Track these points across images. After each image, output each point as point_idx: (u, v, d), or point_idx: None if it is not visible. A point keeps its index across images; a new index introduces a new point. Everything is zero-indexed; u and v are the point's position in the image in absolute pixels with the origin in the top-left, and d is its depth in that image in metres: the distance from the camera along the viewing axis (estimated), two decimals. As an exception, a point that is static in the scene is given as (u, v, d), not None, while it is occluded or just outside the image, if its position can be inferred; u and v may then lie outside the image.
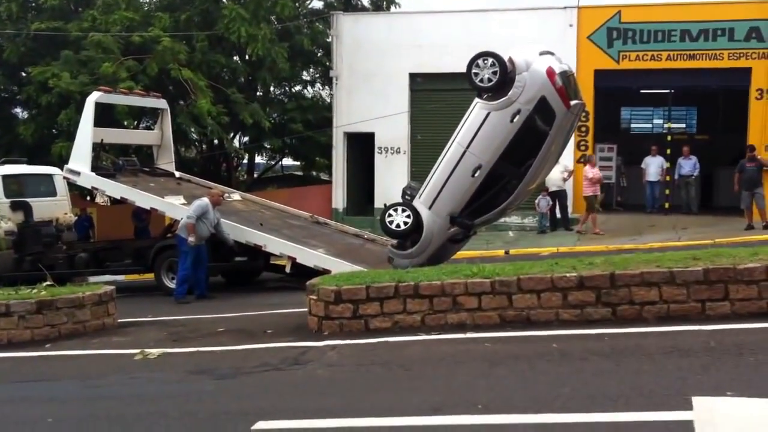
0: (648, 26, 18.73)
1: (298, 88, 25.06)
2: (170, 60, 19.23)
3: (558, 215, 18.34)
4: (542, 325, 6.78)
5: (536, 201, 17.88)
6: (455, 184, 10.22)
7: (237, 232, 12.71)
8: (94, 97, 14.45)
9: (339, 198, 20.96)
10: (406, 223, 10.37)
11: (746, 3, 18.40)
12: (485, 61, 9.97)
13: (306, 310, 7.82)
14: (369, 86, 20.01)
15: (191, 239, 11.96)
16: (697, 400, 4.56)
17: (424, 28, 19.85)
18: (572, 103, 9.96)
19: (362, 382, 5.88)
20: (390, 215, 10.49)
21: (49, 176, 15.79)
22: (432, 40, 19.47)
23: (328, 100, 23.24)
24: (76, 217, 16.65)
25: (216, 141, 22.60)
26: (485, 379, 5.57)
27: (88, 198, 20.70)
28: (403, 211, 10.45)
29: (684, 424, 4.24)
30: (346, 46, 20.69)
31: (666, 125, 20.54)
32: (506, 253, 15.63)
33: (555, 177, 17.31)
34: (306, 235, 13.48)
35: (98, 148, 14.73)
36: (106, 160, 15.08)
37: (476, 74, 10.02)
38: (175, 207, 13.30)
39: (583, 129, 18.97)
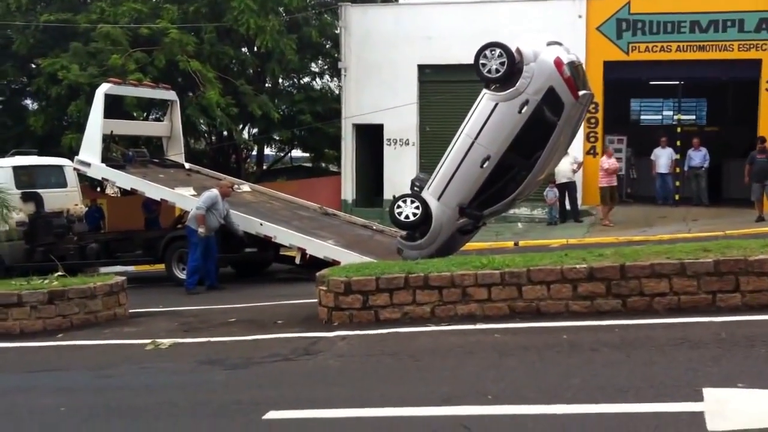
0: (657, 17, 18.60)
1: (306, 79, 25.07)
2: (178, 52, 19.26)
3: (567, 207, 18.28)
4: (552, 316, 6.79)
5: (544, 193, 17.83)
6: (464, 175, 10.21)
7: (246, 223, 12.75)
8: (103, 88, 14.50)
9: (348, 189, 20.96)
10: (415, 215, 10.37)
11: (757, -6, 18.28)
12: (493, 52, 9.93)
13: (316, 301, 7.84)
14: (378, 78, 19.98)
15: (201, 230, 12.00)
16: (707, 392, 4.56)
17: (432, 19, 19.79)
18: (580, 93, 9.92)
19: (372, 373, 5.90)
20: (399, 206, 10.49)
21: (60, 167, 15.84)
22: (440, 32, 19.42)
23: (337, 92, 23.22)
24: (87, 208, 16.72)
25: (225, 132, 22.64)
26: (495, 370, 5.58)
27: (99, 189, 20.78)
28: (412, 202, 10.44)
29: (695, 416, 4.24)
30: (355, 38, 20.65)
31: (676, 117, 20.44)
32: (516, 244, 15.62)
33: (565, 169, 17.24)
34: (315, 226, 13.50)
35: (108, 140, 14.79)
36: (116, 151, 15.13)
37: (484, 65, 9.99)
38: (185, 198, 13.34)
39: (593, 120, 18.91)
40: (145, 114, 20.97)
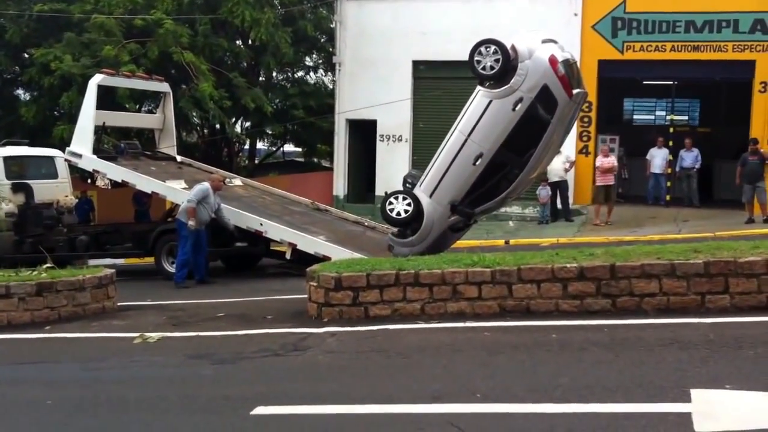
0: (653, 17, 18.64)
1: (300, 73, 25.00)
2: (172, 43, 19.17)
3: (559, 206, 18.31)
4: (542, 315, 6.79)
5: (537, 191, 17.85)
6: (456, 172, 10.20)
7: (237, 217, 12.71)
8: (96, 79, 14.43)
9: (340, 185, 20.95)
10: (406, 211, 10.36)
11: (752, -5, 18.32)
12: (488, 49, 9.92)
13: (306, 296, 7.82)
14: (372, 73, 19.95)
15: (191, 223, 11.96)
16: (695, 393, 4.57)
17: (428, 15, 19.76)
18: (575, 91, 9.93)
19: (361, 370, 5.89)
20: (391, 203, 10.48)
21: (51, 158, 15.78)
22: (436, 28, 19.40)
23: (331, 87, 23.19)
24: (77, 200, 16.65)
25: (218, 126, 22.58)
26: (484, 368, 5.57)
27: (89, 181, 20.66)
28: (404, 199, 10.43)
29: (682, 416, 4.25)
30: (350, 32, 20.62)
31: (669, 117, 20.49)
32: (506, 243, 15.64)
33: (557, 167, 17.28)
34: (307, 221, 13.48)
35: (100, 131, 14.72)
36: (108, 143, 15.08)
37: (478, 62, 9.97)
38: (176, 191, 13.30)
39: (586, 120, 18.94)
40: (137, 106, 20.87)
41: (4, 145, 15.75)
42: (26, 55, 21.26)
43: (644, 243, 11.51)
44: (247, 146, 26.20)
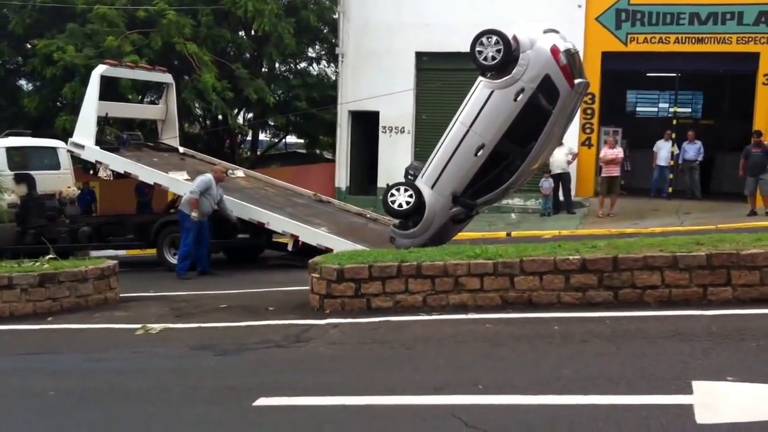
0: (657, 8, 18.56)
1: (303, 65, 24.96)
2: (175, 34, 19.14)
3: (561, 198, 18.29)
4: (544, 307, 6.79)
5: (540, 183, 17.83)
6: (458, 163, 10.19)
7: (240, 208, 12.72)
8: (99, 70, 14.41)
9: (342, 177, 20.92)
10: (408, 203, 10.36)
11: (756, -13, 18.24)
12: (489, 39, 9.89)
13: (308, 288, 7.83)
14: (375, 65, 19.89)
15: (194, 215, 11.97)
16: (697, 384, 4.57)
17: (431, 6, 19.69)
18: (576, 81, 9.90)
19: (364, 361, 5.90)
20: (392, 195, 10.48)
21: (53, 149, 15.76)
22: (439, 19, 19.33)
23: (334, 78, 23.14)
24: (79, 191, 16.65)
25: (220, 117, 22.56)
26: (487, 359, 5.58)
27: (91, 172, 20.67)
28: (406, 190, 10.43)
29: (684, 408, 4.25)
30: (353, 24, 20.54)
31: (672, 109, 20.44)
32: (508, 235, 15.64)
33: (559, 159, 17.27)
34: (309, 213, 13.49)
35: (103, 122, 14.71)
36: (110, 134, 15.07)
37: (480, 52, 9.95)
38: (179, 182, 13.31)
39: (589, 111, 18.90)
40: (140, 97, 20.85)
41: (7, 135, 15.73)
42: (29, 46, 21.26)
43: (646, 235, 11.49)
44: (249, 137, 26.18)
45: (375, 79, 19.70)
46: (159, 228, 13.54)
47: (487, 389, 4.86)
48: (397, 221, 10.95)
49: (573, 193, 18.45)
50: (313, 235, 12.22)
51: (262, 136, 27.53)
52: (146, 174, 13.73)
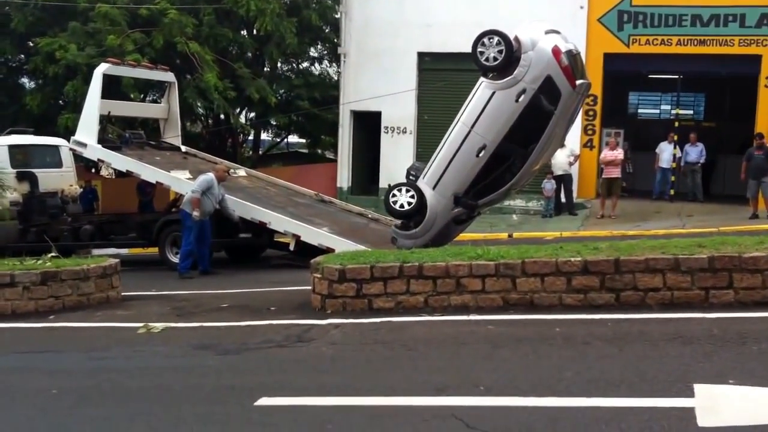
0: (659, 10, 18.56)
1: (305, 64, 24.96)
2: (177, 33, 19.15)
3: (563, 199, 18.29)
4: (545, 309, 6.79)
5: (542, 184, 17.83)
6: (459, 164, 10.18)
7: (242, 208, 12.72)
8: (102, 68, 14.43)
9: (344, 177, 20.92)
10: (409, 204, 10.34)
11: (758, -11, 18.24)
12: (491, 40, 9.87)
13: (309, 288, 7.83)
14: (377, 65, 19.88)
15: (195, 214, 11.98)
16: (699, 388, 4.57)
17: (433, 6, 19.69)
18: (578, 82, 9.88)
19: (365, 362, 5.90)
20: (394, 195, 10.46)
21: (56, 147, 15.77)
22: (441, 19, 19.33)
23: (335, 78, 23.14)
24: (81, 189, 16.66)
25: (222, 116, 22.56)
26: (488, 361, 5.58)
27: (93, 170, 20.71)
28: (407, 191, 10.41)
29: (685, 411, 4.25)
30: (355, 23, 20.54)
31: (674, 111, 20.43)
32: (510, 236, 15.63)
33: (561, 161, 17.27)
34: (310, 213, 13.49)
35: (105, 121, 14.72)
36: (113, 132, 15.08)
37: (481, 53, 9.92)
38: (181, 181, 13.32)
39: (591, 113, 18.89)
40: (142, 95, 20.86)
41: (9, 133, 15.76)
42: (31, 44, 21.27)
43: (648, 237, 11.47)
44: (251, 137, 26.19)
45: (377, 79, 19.70)
46: (161, 227, 13.55)
47: (489, 391, 4.86)
48: (398, 222, 10.94)
49: (575, 194, 18.45)
50: (314, 234, 12.23)
51: (264, 136, 27.54)
52: (148, 173, 13.74)
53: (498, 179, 10.29)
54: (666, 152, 18.84)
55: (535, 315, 6.66)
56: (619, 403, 4.47)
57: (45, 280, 8.47)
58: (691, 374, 4.87)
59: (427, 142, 18.28)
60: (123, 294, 9.35)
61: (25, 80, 23.39)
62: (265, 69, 23.54)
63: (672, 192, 18.94)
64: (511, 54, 9.78)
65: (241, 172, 15.36)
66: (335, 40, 22.42)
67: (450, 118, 10.80)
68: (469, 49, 10.22)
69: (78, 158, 15.75)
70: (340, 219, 13.68)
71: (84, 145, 13.97)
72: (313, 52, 24.89)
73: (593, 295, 6.78)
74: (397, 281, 7.20)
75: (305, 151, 28.14)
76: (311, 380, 5.45)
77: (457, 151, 10.16)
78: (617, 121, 20.54)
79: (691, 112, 22.95)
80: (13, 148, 14.98)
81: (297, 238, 12.39)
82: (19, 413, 5.19)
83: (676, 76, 20.05)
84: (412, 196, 10.33)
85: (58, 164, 15.62)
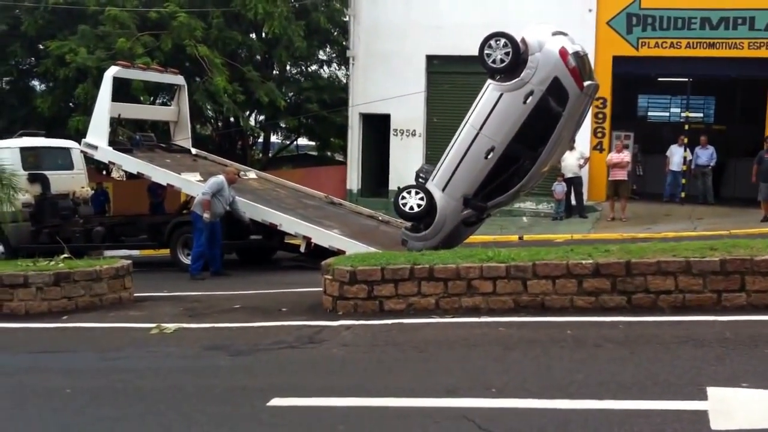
0: (668, 13, 18.52)
1: (314, 67, 25.01)
2: (186, 36, 19.23)
3: (573, 202, 18.26)
4: (557, 311, 6.79)
5: (553, 187, 17.81)
6: (468, 166, 10.19)
7: (252, 210, 12.76)
8: (112, 71, 14.49)
9: (353, 179, 20.96)
10: (419, 206, 10.36)
11: (768, -8, 18.18)
12: (498, 42, 9.88)
13: (321, 289, 7.86)
14: (386, 67, 19.92)
15: (206, 216, 12.03)
16: (711, 391, 4.56)
17: (442, 9, 19.71)
18: (586, 83, 9.87)
19: (376, 363, 5.92)
20: (403, 197, 10.48)
21: (67, 149, 15.85)
22: (450, 22, 19.33)
23: (344, 81, 23.18)
24: (93, 191, 16.74)
25: (232, 119, 22.63)
26: (499, 363, 5.59)
27: (104, 172, 20.77)
28: (417, 193, 10.43)
29: (698, 414, 4.25)
30: (364, 26, 20.59)
31: (684, 114, 20.39)
32: (520, 238, 15.60)
33: (571, 163, 17.26)
34: (321, 215, 13.51)
35: (115, 123, 14.79)
36: (123, 135, 15.15)
37: (489, 55, 9.93)
38: (191, 183, 13.36)
39: (600, 116, 18.87)
40: (151, 98, 20.95)
41: (21, 136, 15.84)
42: (41, 47, 21.38)
43: (659, 240, 11.47)
44: (261, 139, 26.25)
45: (386, 81, 19.73)
46: (172, 228, 13.60)
47: (500, 393, 4.86)
48: (408, 224, 10.96)
49: (585, 197, 18.42)
50: (325, 236, 12.25)
51: (273, 138, 27.60)
52: (159, 175, 13.79)
53: (507, 181, 10.29)
54: (676, 155, 18.79)
55: (546, 317, 6.66)
56: (631, 406, 4.47)
57: (58, 281, 8.53)
58: (703, 377, 4.87)
59: (436, 145, 18.30)
60: (135, 295, 9.40)
61: (35, 83, 23.52)
62: (274, 72, 23.61)
63: (682, 195, 18.89)
64: (519, 56, 9.80)
65: (251, 174, 15.40)
66: (344, 43, 22.49)
67: (459, 120, 10.82)
68: (477, 52, 10.24)
69: (89, 160, 15.82)
70: (351, 221, 13.70)
71: (95, 147, 14.03)
72: (321, 55, 24.96)
73: (605, 298, 6.78)
74: (408, 283, 7.21)
75: (314, 153, 28.20)
76: (322, 381, 5.47)
77: (466, 153, 10.17)
78: (627, 124, 20.50)
79: (701, 115, 22.86)
80: (24, 151, 15.06)
81: (308, 240, 12.41)
82: (32, 412, 5.22)
83: (686, 79, 20.00)
84: (421, 199, 10.35)
85: (70, 166, 15.69)
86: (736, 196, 19.08)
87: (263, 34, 21.88)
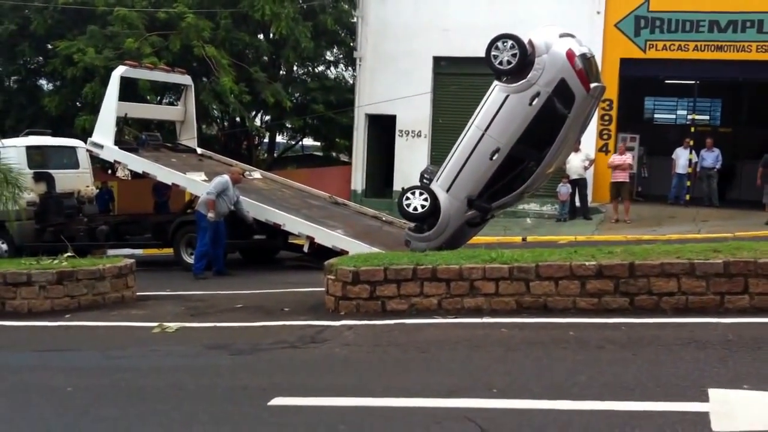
0: (676, 15, 18.50)
1: (321, 68, 25.04)
2: (194, 37, 19.28)
3: (577, 203, 18.23)
4: (559, 312, 6.77)
5: (557, 188, 17.78)
6: (473, 167, 10.19)
7: (256, 209, 12.77)
8: (119, 71, 14.54)
9: (358, 179, 20.96)
10: (423, 207, 10.37)
11: (776, -5, 18.13)
12: (505, 44, 9.89)
13: (323, 289, 7.85)
14: (393, 68, 19.93)
15: (211, 215, 12.04)
16: (713, 392, 4.54)
17: (450, 10, 19.71)
18: (592, 85, 9.86)
19: (378, 363, 5.91)
20: (407, 198, 10.49)
21: (73, 148, 15.90)
22: (458, 24, 19.33)
23: (351, 81, 23.19)
24: (98, 190, 16.78)
25: (238, 119, 22.67)
26: (501, 363, 5.57)
27: (110, 171, 20.86)
28: (421, 194, 10.44)
29: (700, 416, 4.23)
30: (371, 27, 20.59)
31: (690, 117, 20.33)
32: (524, 240, 15.59)
33: (576, 165, 17.23)
34: (324, 215, 13.52)
35: (122, 122, 14.83)
36: (129, 134, 15.19)
37: (495, 57, 9.94)
38: (196, 183, 13.39)
39: (606, 118, 18.83)
40: (158, 98, 21.00)
41: (27, 134, 15.91)
42: (50, 47, 21.46)
43: (663, 242, 11.43)
44: (266, 139, 26.30)
45: (392, 82, 19.74)
46: (176, 228, 13.63)
47: (502, 393, 4.85)
48: (412, 224, 10.96)
49: (589, 199, 18.39)
50: (328, 237, 12.26)
51: (279, 138, 27.63)
52: (164, 174, 13.82)
53: (511, 182, 10.29)
54: (682, 158, 18.74)
55: (549, 318, 6.63)
56: (633, 407, 4.45)
57: (61, 280, 8.55)
58: (705, 379, 4.85)
59: (441, 146, 18.28)
60: (138, 294, 9.42)
61: (43, 82, 23.62)
62: (281, 72, 23.63)
63: (687, 197, 18.83)
64: (525, 57, 9.79)
65: (256, 174, 15.42)
66: (351, 44, 22.50)
67: (464, 121, 10.82)
68: (484, 54, 10.23)
69: (95, 159, 15.87)
70: (354, 221, 13.70)
71: (101, 146, 14.08)
72: (328, 56, 24.97)
73: (607, 299, 6.76)
74: (410, 283, 7.21)
75: (320, 153, 28.24)
76: (324, 381, 5.47)
77: (471, 154, 10.17)
78: (633, 126, 20.47)
79: (708, 117, 22.81)
80: (30, 149, 15.11)
81: (311, 239, 12.42)
82: (35, 411, 5.23)
83: (693, 82, 19.95)
84: (425, 199, 10.35)
85: (75, 165, 15.74)
86: (742, 198, 19.03)
87: (270, 35, 21.92)
